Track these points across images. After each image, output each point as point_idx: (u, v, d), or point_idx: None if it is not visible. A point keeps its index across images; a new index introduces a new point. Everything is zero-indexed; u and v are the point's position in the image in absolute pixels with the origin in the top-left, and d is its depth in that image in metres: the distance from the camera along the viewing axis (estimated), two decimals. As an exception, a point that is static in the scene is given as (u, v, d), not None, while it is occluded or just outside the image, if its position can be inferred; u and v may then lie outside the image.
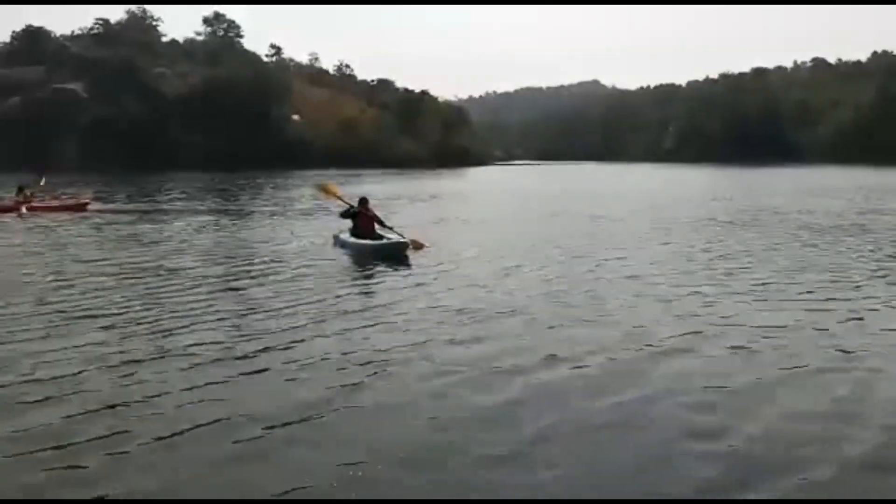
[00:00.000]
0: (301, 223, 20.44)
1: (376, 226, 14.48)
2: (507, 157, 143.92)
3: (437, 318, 8.20)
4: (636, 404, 5.51)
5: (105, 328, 7.83)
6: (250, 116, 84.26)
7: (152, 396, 5.64)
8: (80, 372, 6.24)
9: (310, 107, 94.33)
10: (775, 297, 9.43)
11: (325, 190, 16.38)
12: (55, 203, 25.02)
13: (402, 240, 13.47)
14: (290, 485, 4.19)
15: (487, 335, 7.44)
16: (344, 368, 6.39)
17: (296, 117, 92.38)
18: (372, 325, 7.92)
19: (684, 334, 7.47)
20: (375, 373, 6.26)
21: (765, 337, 7.34)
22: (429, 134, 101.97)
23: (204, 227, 19.64)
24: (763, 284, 10.35)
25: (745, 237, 16.50)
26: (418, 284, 10.47)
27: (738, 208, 25.36)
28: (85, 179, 48.62)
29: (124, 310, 8.71)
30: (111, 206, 27.19)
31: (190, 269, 12.07)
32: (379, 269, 11.94)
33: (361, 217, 14.54)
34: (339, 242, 14.65)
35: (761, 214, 22.76)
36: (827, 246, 14.85)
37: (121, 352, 6.86)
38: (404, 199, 30.89)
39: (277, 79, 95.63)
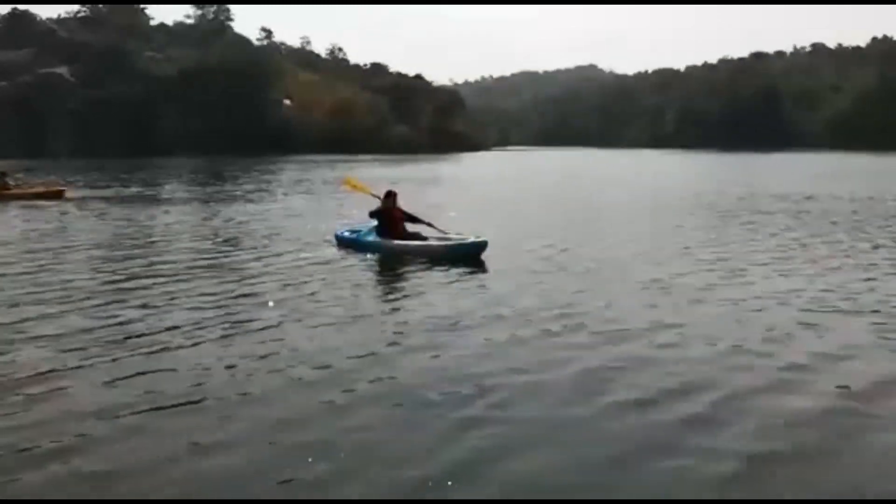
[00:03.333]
0: (308, 213, 18.69)
1: (407, 225, 12.02)
2: (504, 142, 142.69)
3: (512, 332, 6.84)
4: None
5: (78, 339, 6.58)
6: (241, 101, 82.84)
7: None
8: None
9: (301, 91, 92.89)
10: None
11: (351, 185, 13.96)
12: (29, 190, 23.79)
13: (480, 238, 11.11)
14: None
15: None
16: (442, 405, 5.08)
17: (287, 102, 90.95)
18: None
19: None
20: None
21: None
22: (423, 119, 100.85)
23: (188, 216, 18.11)
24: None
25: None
26: (478, 287, 9.03)
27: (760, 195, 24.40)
28: (72, 165, 47.82)
29: (100, 321, 7.22)
30: (90, 192, 25.98)
31: (173, 268, 10.28)
32: (418, 272, 10.04)
33: (390, 215, 11.92)
34: (356, 244, 11.99)
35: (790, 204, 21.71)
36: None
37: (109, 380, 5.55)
38: (407, 184, 29.72)
39: (268, 63, 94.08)
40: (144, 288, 8.89)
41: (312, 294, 8.53)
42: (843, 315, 7.45)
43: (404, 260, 10.87)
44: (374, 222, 12.03)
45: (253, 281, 9.40)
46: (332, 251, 11.93)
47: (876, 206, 19.68)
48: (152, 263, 10.79)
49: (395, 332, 6.91)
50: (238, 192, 26.30)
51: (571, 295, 8.34)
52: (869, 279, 9.32)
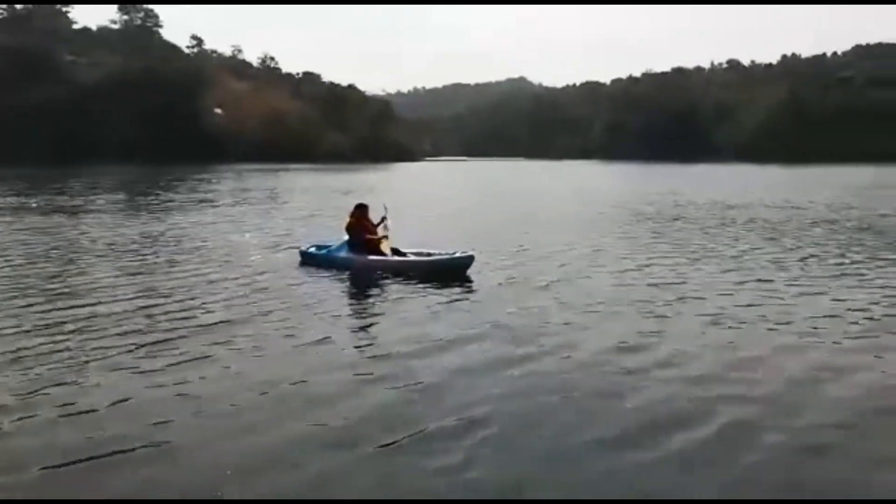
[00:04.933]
0: (257, 226, 17.80)
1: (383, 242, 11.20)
2: (436, 152, 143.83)
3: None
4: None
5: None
6: (171, 108, 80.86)
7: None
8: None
9: (232, 99, 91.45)
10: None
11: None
12: None
13: (467, 253, 10.55)
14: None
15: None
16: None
17: (218, 110, 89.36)
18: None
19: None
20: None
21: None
22: (356, 128, 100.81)
23: (120, 230, 16.92)
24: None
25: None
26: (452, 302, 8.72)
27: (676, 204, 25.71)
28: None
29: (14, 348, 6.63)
30: (8, 202, 24.69)
31: (99, 288, 9.42)
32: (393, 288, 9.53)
33: (360, 228, 11.24)
34: (325, 260, 11.15)
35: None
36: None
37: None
38: (341, 195, 29.92)
39: (198, 70, 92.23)
40: (64, 310, 8.08)
41: (275, 317, 7.86)
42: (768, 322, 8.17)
43: (381, 277, 10.15)
44: (345, 236, 11.42)
45: (203, 304, 8.49)
46: (296, 269, 11.14)
47: (796, 214, 21.17)
48: (77, 283, 9.85)
49: (370, 358, 6.49)
50: (174, 203, 25.40)
51: (552, 313, 8.21)
52: (795, 283, 10.17)
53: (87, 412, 5.18)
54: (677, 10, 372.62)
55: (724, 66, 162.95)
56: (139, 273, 10.83)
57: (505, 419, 5.08)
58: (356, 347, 6.93)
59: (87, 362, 6.26)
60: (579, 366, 6.32)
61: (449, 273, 10.23)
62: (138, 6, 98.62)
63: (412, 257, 10.94)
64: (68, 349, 6.65)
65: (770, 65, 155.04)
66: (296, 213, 21.79)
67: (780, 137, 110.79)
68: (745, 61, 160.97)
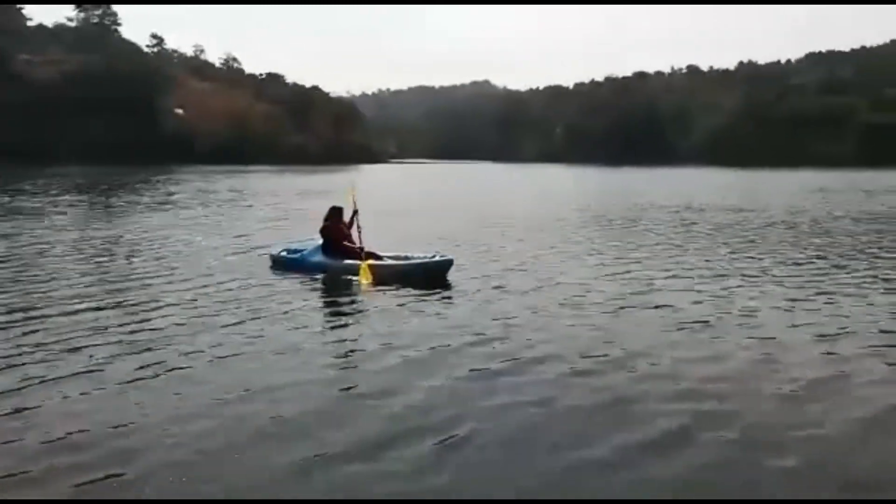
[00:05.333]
0: (225, 230, 17.33)
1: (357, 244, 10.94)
2: (401, 155, 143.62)
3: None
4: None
5: None
6: (130, 108, 79.21)
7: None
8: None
9: (194, 100, 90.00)
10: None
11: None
12: None
13: (446, 257, 10.46)
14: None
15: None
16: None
17: (179, 111, 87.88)
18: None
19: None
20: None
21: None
22: (320, 130, 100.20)
23: (79, 233, 16.38)
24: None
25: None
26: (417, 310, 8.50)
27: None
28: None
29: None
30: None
31: (62, 295, 9.05)
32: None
33: (335, 232, 11.01)
34: (298, 265, 10.90)
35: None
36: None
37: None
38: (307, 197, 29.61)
39: (159, 69, 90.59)
40: (22, 319, 7.78)
41: (246, 326, 7.63)
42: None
43: (357, 282, 9.94)
44: (319, 240, 11.19)
45: (170, 312, 8.19)
46: (268, 274, 10.90)
47: (757, 217, 21.65)
48: (35, 290, 9.45)
49: (349, 369, 6.34)
50: (137, 206, 24.71)
51: (534, 320, 8.09)
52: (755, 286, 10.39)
53: (45, 426, 4.97)
54: (641, 12, 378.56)
55: (684, 71, 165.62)
56: (101, 280, 10.39)
57: (491, 432, 4.96)
58: (333, 357, 6.70)
59: (45, 373, 6.01)
60: (564, 375, 6.17)
61: (428, 276, 10.01)
62: (97, 5, 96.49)
63: (392, 262, 10.59)
64: (25, 361, 6.37)
65: (727, 70, 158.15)
66: (264, 216, 21.56)
67: (738, 142, 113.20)
68: (704, 67, 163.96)
